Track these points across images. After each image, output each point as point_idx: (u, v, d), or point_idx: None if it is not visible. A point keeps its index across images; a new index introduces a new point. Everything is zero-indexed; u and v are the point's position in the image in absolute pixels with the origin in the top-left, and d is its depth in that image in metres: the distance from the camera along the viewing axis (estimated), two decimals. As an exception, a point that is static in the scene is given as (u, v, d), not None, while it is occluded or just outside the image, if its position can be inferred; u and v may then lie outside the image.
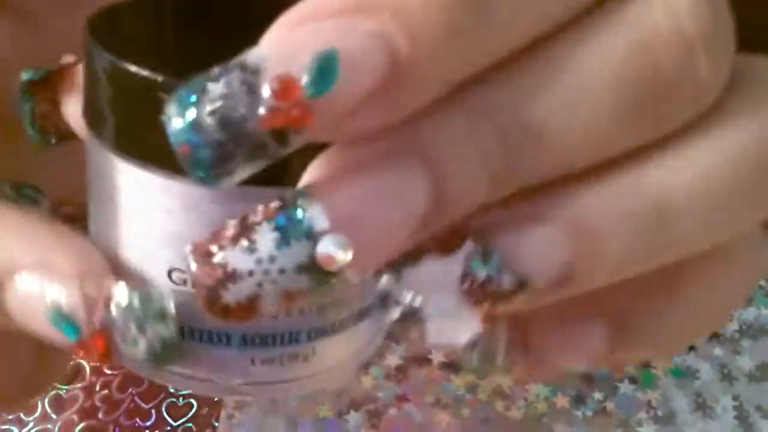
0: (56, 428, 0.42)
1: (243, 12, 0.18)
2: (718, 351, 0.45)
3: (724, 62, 0.16)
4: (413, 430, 0.42)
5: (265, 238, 0.14)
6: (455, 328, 0.15)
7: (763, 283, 0.47)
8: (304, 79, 0.13)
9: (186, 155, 0.13)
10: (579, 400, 0.43)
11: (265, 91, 0.13)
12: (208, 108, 0.13)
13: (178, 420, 0.43)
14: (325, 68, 0.13)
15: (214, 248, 0.14)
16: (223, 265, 0.14)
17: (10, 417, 0.43)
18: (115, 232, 0.18)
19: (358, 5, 0.13)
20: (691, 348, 0.45)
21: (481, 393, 0.43)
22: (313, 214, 0.14)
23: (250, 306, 0.14)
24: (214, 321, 0.14)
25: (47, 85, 0.20)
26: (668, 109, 0.15)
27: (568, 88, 0.15)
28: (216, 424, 0.42)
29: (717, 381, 0.44)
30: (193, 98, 0.13)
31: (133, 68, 0.16)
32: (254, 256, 0.14)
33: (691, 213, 0.16)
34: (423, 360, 0.44)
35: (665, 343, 0.18)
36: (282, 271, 0.14)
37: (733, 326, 0.46)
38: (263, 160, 0.13)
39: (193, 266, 0.14)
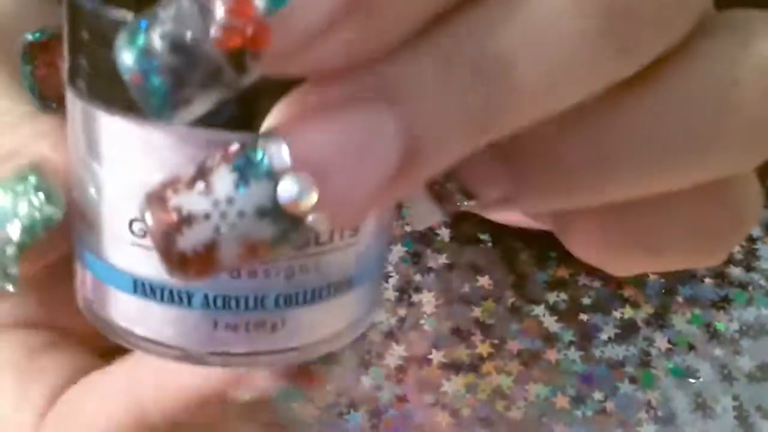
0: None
1: None
2: (718, 351, 0.45)
3: None
4: (413, 430, 0.42)
5: (223, 180, 0.13)
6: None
7: (763, 282, 0.47)
8: None
9: (138, 85, 0.12)
10: (579, 400, 0.43)
11: (218, 10, 0.12)
12: (159, 32, 0.12)
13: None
14: None
15: (169, 193, 0.13)
16: (177, 209, 0.13)
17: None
18: (85, 181, 0.17)
19: None
20: (691, 348, 0.45)
21: (481, 393, 0.43)
22: (274, 152, 0.13)
23: (208, 255, 0.13)
24: (175, 275, 0.13)
25: (47, 48, 0.20)
26: (638, 28, 0.15)
27: (537, 16, 0.14)
28: (216, 424, 0.42)
29: (717, 381, 0.44)
30: (143, 24, 0.12)
31: (99, 9, 0.15)
32: (211, 198, 0.13)
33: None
34: (423, 360, 0.44)
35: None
36: (241, 215, 0.13)
37: (733, 326, 0.46)
38: (220, 89, 0.13)
39: (148, 213, 0.13)
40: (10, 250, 0.18)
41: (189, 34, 0.12)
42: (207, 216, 0.13)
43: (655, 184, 0.17)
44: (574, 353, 0.45)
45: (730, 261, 0.48)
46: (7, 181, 0.19)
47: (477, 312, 0.46)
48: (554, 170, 0.17)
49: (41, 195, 0.18)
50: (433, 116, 0.14)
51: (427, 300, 0.46)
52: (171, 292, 0.17)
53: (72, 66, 0.17)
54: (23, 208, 0.18)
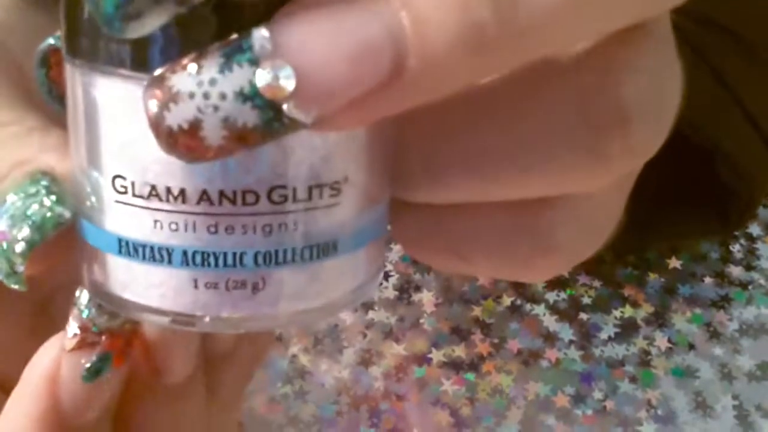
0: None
1: None
2: (718, 350, 0.45)
3: None
4: (413, 430, 0.42)
5: (212, 63, 0.13)
6: None
7: (762, 282, 0.47)
8: None
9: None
10: (579, 400, 0.43)
11: None
12: None
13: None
14: None
15: (168, 73, 0.14)
16: (168, 87, 0.14)
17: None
18: (75, 140, 0.17)
19: None
20: (691, 347, 0.45)
21: (481, 393, 0.43)
22: (258, 39, 0.13)
23: (193, 133, 0.14)
24: (167, 152, 0.14)
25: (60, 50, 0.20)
26: None
27: None
28: (216, 424, 0.42)
29: (717, 381, 0.44)
30: None
31: None
32: (197, 78, 0.13)
33: None
34: (423, 360, 0.44)
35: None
36: (223, 97, 0.13)
37: (733, 326, 0.46)
38: (172, 4, 0.13)
39: (146, 90, 0.14)
40: (20, 248, 0.18)
41: None
42: (192, 95, 0.13)
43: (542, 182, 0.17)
44: (574, 352, 0.45)
45: (730, 261, 0.48)
46: (20, 186, 0.19)
47: (477, 311, 0.46)
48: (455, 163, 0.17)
49: (52, 197, 0.18)
50: (433, 22, 0.13)
51: (427, 299, 0.46)
52: (152, 250, 0.17)
53: (63, 34, 0.17)
54: (34, 208, 0.18)
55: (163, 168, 0.16)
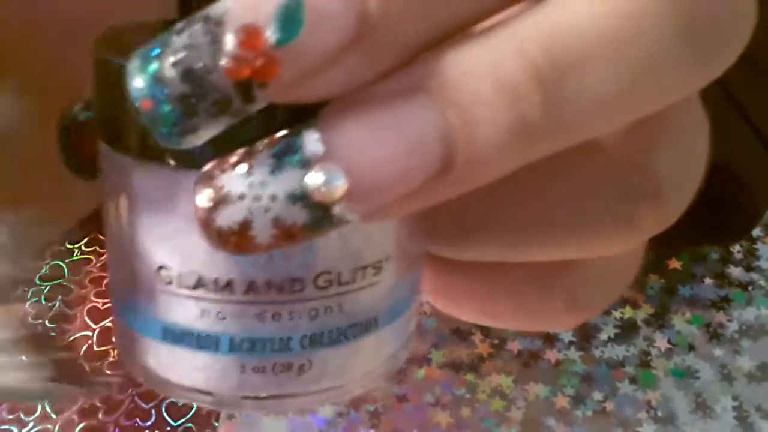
0: (56, 428, 0.42)
1: None
2: (718, 351, 0.45)
3: (754, 4, 0.15)
4: (413, 430, 0.42)
5: (262, 164, 0.13)
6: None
7: (762, 282, 0.47)
8: (269, 28, 0.12)
9: (148, 111, 0.13)
10: (579, 400, 0.43)
11: (229, 41, 0.12)
12: (171, 60, 0.12)
13: (178, 420, 0.43)
14: (290, 16, 0.12)
15: (217, 172, 0.14)
16: (218, 187, 0.13)
17: (10, 417, 0.43)
18: (118, 227, 0.17)
19: None
20: (691, 348, 0.45)
21: (481, 393, 0.43)
22: (308, 141, 0.13)
23: (242, 233, 0.13)
24: (216, 249, 0.14)
25: (84, 124, 0.20)
26: (717, 38, 0.14)
27: (612, 14, 0.13)
28: (216, 424, 0.42)
29: (717, 381, 0.44)
30: (156, 51, 0.13)
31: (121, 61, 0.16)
32: (248, 180, 0.13)
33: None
34: (423, 360, 0.44)
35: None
36: (273, 198, 0.13)
37: (733, 326, 0.46)
38: (228, 118, 0.13)
39: (196, 188, 0.14)
40: None
41: (200, 64, 0.12)
42: (242, 196, 0.13)
43: (564, 250, 0.17)
44: (574, 353, 0.45)
45: (730, 261, 0.48)
46: None
47: (477, 312, 0.46)
48: (474, 228, 0.17)
49: None
50: (482, 121, 0.13)
51: (427, 300, 0.46)
52: (198, 337, 0.17)
53: (102, 122, 0.17)
54: None
55: (210, 259, 0.16)
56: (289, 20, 0.12)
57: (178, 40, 0.12)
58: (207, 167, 0.14)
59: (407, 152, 0.13)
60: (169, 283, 0.17)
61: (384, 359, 0.19)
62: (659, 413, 0.42)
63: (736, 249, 0.49)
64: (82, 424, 0.42)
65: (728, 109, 0.36)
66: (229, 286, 0.16)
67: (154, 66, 0.12)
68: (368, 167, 0.13)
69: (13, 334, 0.17)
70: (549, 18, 0.14)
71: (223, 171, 0.14)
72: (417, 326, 0.19)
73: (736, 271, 0.48)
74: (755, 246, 0.49)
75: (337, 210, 0.13)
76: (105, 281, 0.18)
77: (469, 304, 0.20)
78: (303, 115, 0.14)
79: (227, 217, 0.13)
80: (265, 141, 0.14)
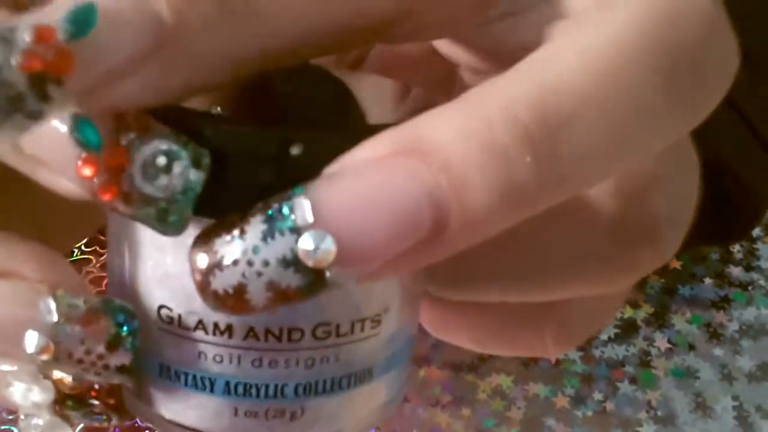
0: (56, 428, 0.42)
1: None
2: (718, 351, 0.45)
3: (735, 45, 0.15)
4: (413, 430, 0.42)
5: (255, 230, 0.14)
6: None
7: (762, 282, 0.47)
8: (60, 24, 0.13)
9: None
10: (579, 400, 0.43)
11: (21, 39, 0.13)
12: None
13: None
14: (81, 16, 0.13)
15: (213, 236, 0.14)
16: (213, 252, 0.14)
17: (10, 417, 0.43)
18: (119, 265, 0.18)
19: None
20: (691, 348, 0.45)
21: (481, 393, 0.43)
22: (298, 208, 0.13)
23: (238, 296, 0.14)
24: (214, 311, 0.14)
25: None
26: (700, 83, 0.14)
27: (597, 70, 0.14)
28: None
29: (717, 381, 0.44)
30: None
31: None
32: (241, 246, 0.14)
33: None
34: (423, 360, 0.44)
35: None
36: (266, 264, 0.14)
37: (733, 326, 0.46)
38: (24, 118, 0.13)
39: (192, 251, 0.14)
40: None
41: None
42: (236, 262, 0.14)
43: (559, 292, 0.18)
44: (574, 353, 0.45)
45: (730, 261, 0.48)
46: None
47: (477, 312, 0.46)
48: (469, 276, 0.18)
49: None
50: (473, 184, 0.13)
51: (427, 300, 0.46)
52: (194, 378, 0.17)
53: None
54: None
55: None
56: (80, 19, 0.13)
57: None
58: (203, 231, 0.14)
59: (397, 219, 0.13)
60: (170, 323, 0.17)
61: (377, 407, 0.19)
62: (659, 413, 0.42)
63: (736, 249, 0.49)
64: (81, 425, 0.42)
65: (728, 109, 0.36)
66: (228, 330, 0.16)
67: None
68: (357, 234, 0.13)
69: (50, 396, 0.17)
70: (535, 78, 0.14)
71: (217, 236, 0.14)
72: (417, 326, 0.19)
73: (736, 271, 0.48)
74: (755, 246, 0.49)
75: (329, 274, 0.14)
76: (105, 281, 0.18)
77: (461, 334, 0.20)
78: (297, 180, 0.14)
79: (223, 281, 0.14)
80: (258, 206, 0.14)
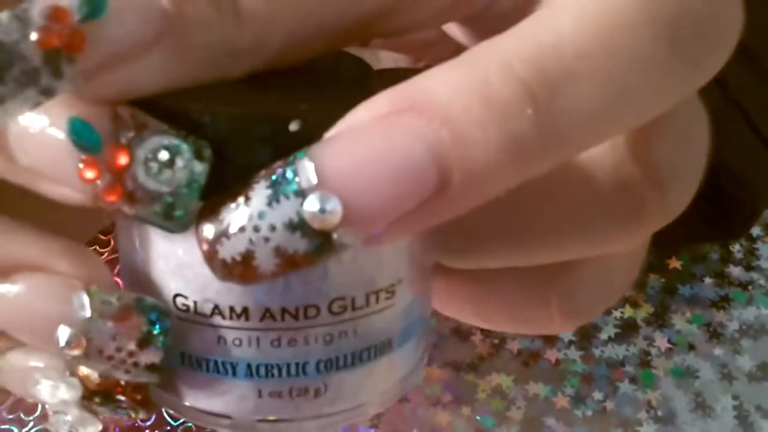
0: (56, 428, 0.42)
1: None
2: (718, 351, 0.45)
3: (740, 11, 0.15)
4: (413, 430, 0.42)
5: (259, 195, 0.14)
6: None
7: (762, 282, 0.47)
8: (74, 6, 0.13)
9: None
10: (579, 400, 0.43)
11: (38, 16, 0.13)
12: None
13: (178, 420, 0.43)
14: (93, 1, 0.13)
15: (218, 206, 0.14)
16: (220, 221, 0.14)
17: (10, 417, 0.43)
18: (132, 257, 0.18)
19: None
20: (691, 348, 0.45)
21: (481, 393, 0.43)
22: (301, 171, 0.13)
23: (246, 264, 0.14)
24: (222, 280, 0.14)
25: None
26: (702, 47, 0.14)
27: (600, 27, 0.14)
28: (216, 424, 0.43)
29: (717, 381, 0.44)
30: None
31: None
32: (247, 212, 0.14)
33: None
34: (423, 360, 0.44)
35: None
36: (273, 228, 0.14)
37: (733, 326, 0.46)
38: (37, 93, 0.13)
39: (199, 223, 0.14)
40: None
41: (9, 37, 0.13)
42: (242, 229, 0.14)
43: (564, 251, 0.17)
44: (574, 353, 0.45)
45: (730, 261, 0.48)
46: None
47: (477, 312, 0.46)
48: (468, 238, 0.17)
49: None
50: (475, 140, 0.13)
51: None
52: (216, 363, 0.17)
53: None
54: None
55: (225, 287, 0.16)
56: (93, 2, 0.13)
57: None
58: (207, 204, 0.14)
59: (401, 176, 0.13)
60: (186, 311, 0.17)
61: (398, 379, 0.19)
62: (659, 413, 0.42)
63: (736, 249, 0.49)
64: (82, 424, 0.42)
65: (728, 108, 0.36)
66: (244, 313, 0.16)
67: None
68: (362, 193, 0.13)
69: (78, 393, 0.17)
70: (535, 35, 0.14)
71: (223, 205, 0.14)
72: (431, 298, 0.19)
73: (736, 271, 0.48)
74: (755, 246, 0.49)
75: (336, 236, 0.13)
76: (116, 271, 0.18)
77: (467, 309, 0.20)
78: (298, 146, 0.14)
79: (230, 249, 0.14)
80: (262, 172, 0.14)
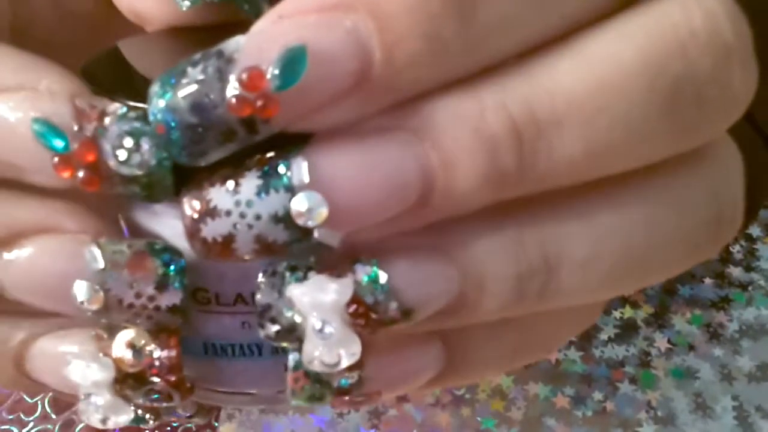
0: (56, 428, 0.42)
1: None
2: (718, 351, 0.45)
3: (753, 79, 0.15)
4: (413, 430, 0.42)
5: (249, 184, 0.14)
6: (334, 350, 0.15)
7: (762, 282, 0.47)
8: (271, 72, 0.13)
9: (161, 135, 0.14)
10: (579, 400, 0.43)
11: (234, 81, 0.13)
12: (183, 92, 0.13)
13: (178, 420, 0.43)
14: (292, 62, 0.13)
15: (207, 185, 0.14)
16: (207, 201, 0.14)
17: (10, 417, 0.43)
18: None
19: (341, 3, 0.13)
20: (691, 348, 0.45)
21: (481, 393, 0.43)
22: (295, 168, 0.14)
23: (226, 245, 0.14)
24: (200, 256, 0.15)
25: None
26: (701, 114, 0.15)
27: (600, 73, 0.14)
28: (216, 424, 0.42)
29: (717, 381, 0.44)
30: (173, 81, 0.13)
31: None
32: (235, 197, 0.14)
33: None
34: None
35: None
36: (258, 217, 0.14)
37: (733, 326, 0.46)
38: (236, 144, 0.14)
39: (185, 198, 0.14)
40: None
41: (207, 98, 0.13)
42: (228, 213, 0.14)
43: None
44: (574, 353, 0.45)
45: (730, 261, 0.48)
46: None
47: (477, 312, 0.46)
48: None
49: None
50: (460, 166, 0.14)
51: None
52: (241, 347, 0.18)
53: None
54: None
55: (245, 275, 0.17)
56: (291, 66, 0.13)
57: (192, 73, 0.13)
58: (195, 178, 0.14)
59: (387, 188, 0.14)
60: (207, 303, 0.17)
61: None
62: (659, 413, 0.42)
63: (736, 249, 0.49)
64: (81, 424, 0.42)
65: None
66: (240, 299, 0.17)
67: (168, 95, 0.13)
68: (350, 200, 0.14)
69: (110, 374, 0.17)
70: (534, 77, 0.14)
71: (211, 185, 0.14)
72: None
73: (736, 271, 0.48)
74: (755, 246, 0.49)
75: (316, 233, 0.14)
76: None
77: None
78: (296, 138, 0.14)
79: (213, 230, 0.14)
80: (255, 159, 0.14)
